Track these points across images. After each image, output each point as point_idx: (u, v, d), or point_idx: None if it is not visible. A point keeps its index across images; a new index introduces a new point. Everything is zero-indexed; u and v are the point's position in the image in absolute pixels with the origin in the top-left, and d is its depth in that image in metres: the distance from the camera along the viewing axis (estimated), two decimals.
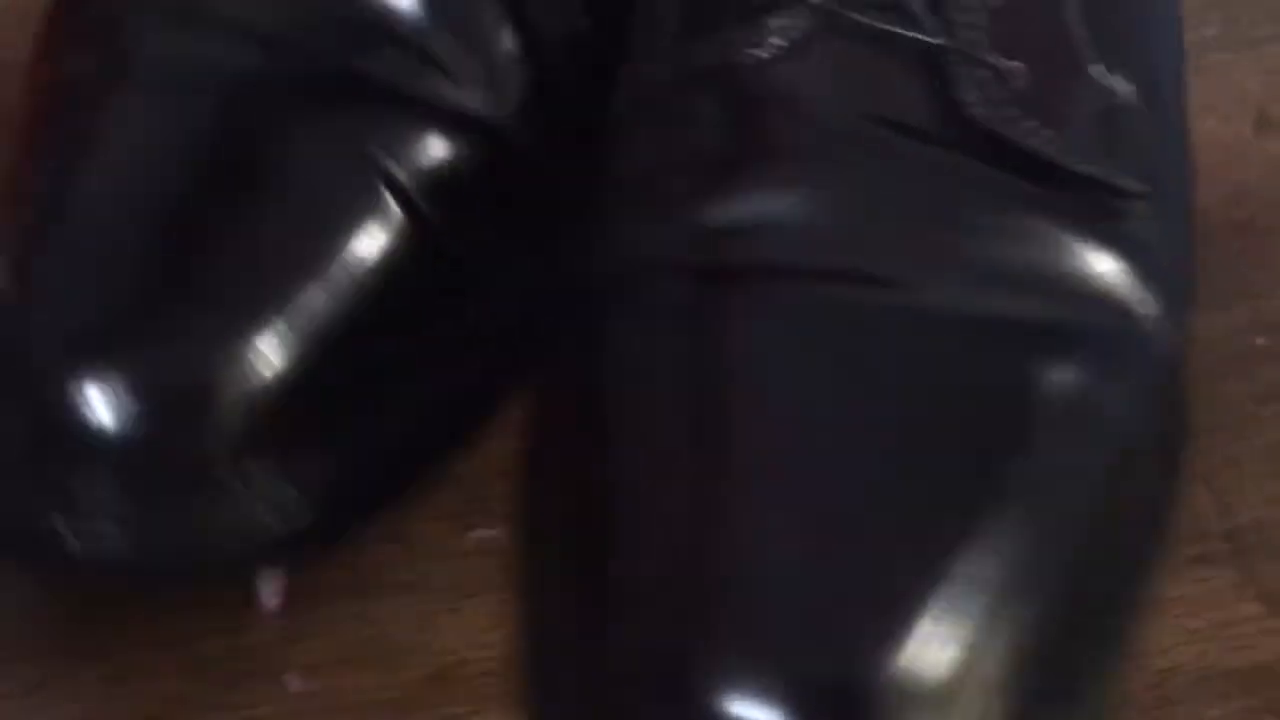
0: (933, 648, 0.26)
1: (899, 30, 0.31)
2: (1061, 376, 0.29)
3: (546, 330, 0.33)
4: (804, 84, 0.31)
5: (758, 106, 0.31)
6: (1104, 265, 0.30)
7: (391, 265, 0.32)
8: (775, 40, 0.31)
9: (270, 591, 0.32)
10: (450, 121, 0.33)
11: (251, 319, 0.30)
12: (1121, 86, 0.31)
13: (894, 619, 0.26)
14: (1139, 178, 0.31)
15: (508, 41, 0.34)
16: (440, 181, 0.32)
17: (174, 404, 0.29)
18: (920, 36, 0.31)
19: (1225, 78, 0.35)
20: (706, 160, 0.31)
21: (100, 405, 0.29)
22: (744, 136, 0.31)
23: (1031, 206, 0.30)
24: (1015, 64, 0.30)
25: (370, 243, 0.31)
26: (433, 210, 0.32)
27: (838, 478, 0.27)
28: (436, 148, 0.33)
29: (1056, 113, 0.31)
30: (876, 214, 0.30)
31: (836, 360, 0.29)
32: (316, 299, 0.31)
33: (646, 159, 0.32)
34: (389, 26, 0.33)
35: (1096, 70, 0.31)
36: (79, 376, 0.29)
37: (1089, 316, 0.30)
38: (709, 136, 0.31)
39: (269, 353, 0.30)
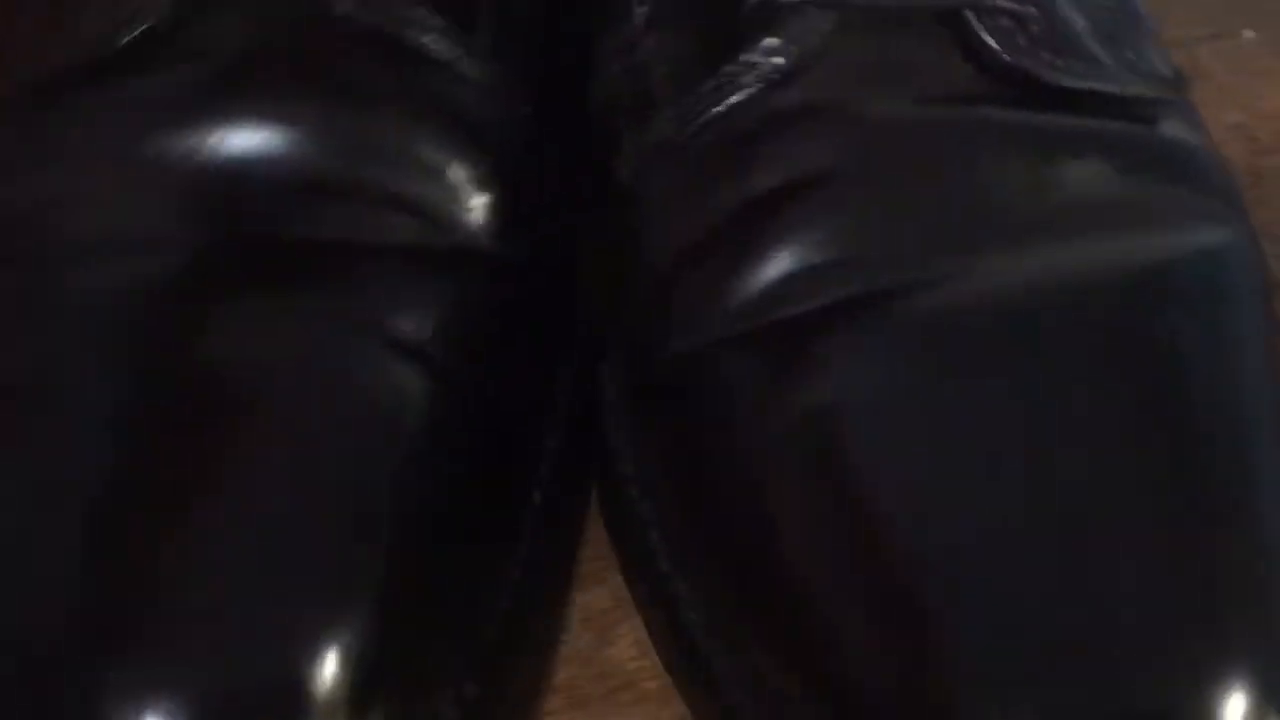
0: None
1: (910, 2, 0.29)
2: (1197, 306, 0.27)
3: (603, 441, 0.30)
4: (824, 92, 0.29)
5: (778, 137, 0.29)
6: (1167, 180, 0.29)
7: (438, 446, 0.27)
8: (781, 57, 0.29)
9: None
10: (432, 259, 0.29)
11: (323, 586, 0.25)
12: None
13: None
14: (1151, 80, 0.30)
15: (458, 154, 0.30)
16: (450, 327, 0.28)
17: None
18: (933, 2, 0.29)
19: None
20: (738, 215, 0.28)
21: None
22: (770, 176, 0.29)
23: (1083, 143, 0.29)
24: (1028, 8, 0.30)
25: (408, 428, 0.27)
26: (452, 361, 0.28)
27: (1059, 498, 0.25)
28: (431, 291, 0.29)
29: (1073, 42, 0.30)
30: (933, 205, 0.28)
31: (963, 374, 0.26)
32: (377, 529, 0.26)
33: (676, 231, 0.29)
34: (322, 180, 0.28)
35: None
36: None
37: (1185, 234, 0.28)
38: (733, 188, 0.29)
39: (348, 620, 0.25)
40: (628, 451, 0.30)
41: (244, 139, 0.28)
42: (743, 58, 0.29)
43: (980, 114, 0.29)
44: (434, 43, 0.30)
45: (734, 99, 0.29)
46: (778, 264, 0.28)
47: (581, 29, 0.32)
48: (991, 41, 0.29)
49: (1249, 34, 0.41)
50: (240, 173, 0.28)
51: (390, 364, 0.27)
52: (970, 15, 0.29)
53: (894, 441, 0.26)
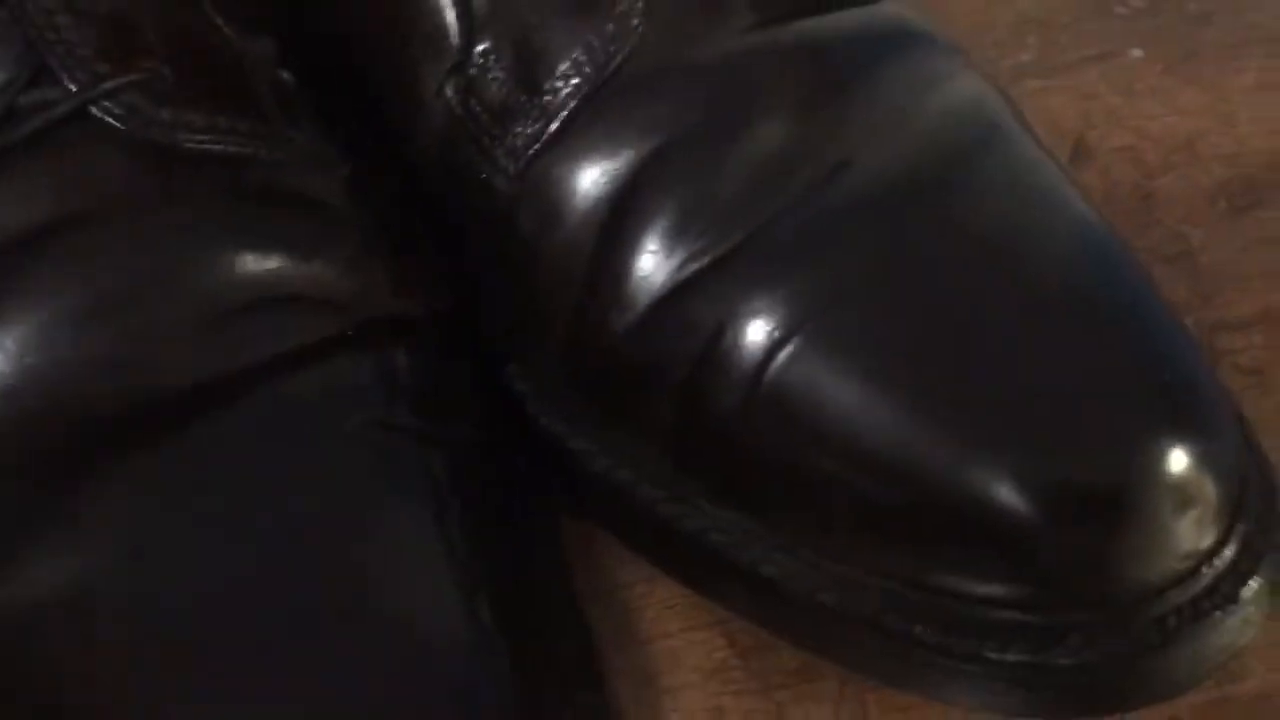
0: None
1: None
2: (1010, 136, 0.31)
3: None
4: (661, 53, 0.30)
5: (643, 104, 0.30)
6: (923, 46, 0.31)
7: (463, 504, 0.29)
8: (612, 36, 0.30)
9: None
10: (355, 340, 0.29)
11: None
12: None
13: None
14: None
15: (311, 234, 0.30)
16: (408, 392, 0.30)
17: None
18: None
19: (1041, 105, 0.33)
20: (630, 190, 0.30)
21: None
22: (649, 140, 0.30)
23: (862, 34, 0.31)
24: None
25: (441, 495, 0.29)
26: (429, 423, 0.29)
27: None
28: (376, 369, 0.29)
29: None
30: (788, 125, 0.30)
31: (876, 254, 0.29)
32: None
33: (582, 219, 0.30)
34: (202, 315, 0.28)
35: None
36: None
37: (963, 87, 0.31)
38: (618, 164, 0.30)
39: None
40: (588, 432, 0.31)
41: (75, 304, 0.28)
42: (576, 50, 0.30)
43: (791, 30, 0.30)
44: (228, 142, 0.29)
45: (585, 89, 0.30)
46: (678, 224, 0.29)
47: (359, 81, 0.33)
48: None
49: (1136, 53, 0.41)
50: (121, 337, 0.28)
51: (394, 448, 0.28)
52: None
53: (859, 325, 0.28)
